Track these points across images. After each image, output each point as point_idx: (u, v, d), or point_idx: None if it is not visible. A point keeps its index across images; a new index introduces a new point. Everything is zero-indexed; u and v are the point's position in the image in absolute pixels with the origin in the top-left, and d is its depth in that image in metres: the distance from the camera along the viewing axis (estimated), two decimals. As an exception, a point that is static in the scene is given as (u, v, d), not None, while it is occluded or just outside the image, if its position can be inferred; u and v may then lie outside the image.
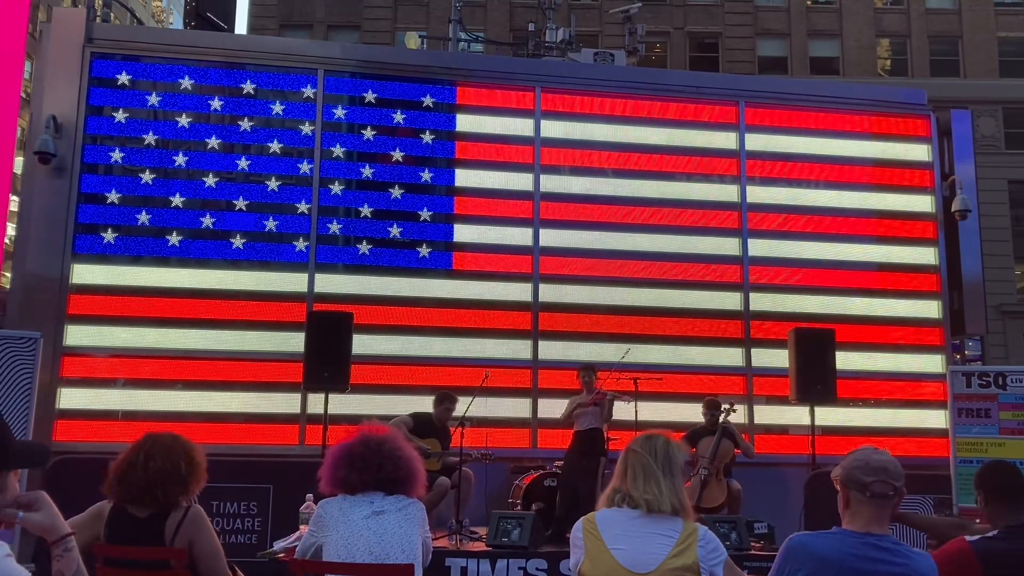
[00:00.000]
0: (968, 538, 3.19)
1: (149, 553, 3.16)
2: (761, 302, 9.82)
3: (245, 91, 9.40)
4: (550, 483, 7.91)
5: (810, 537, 2.75)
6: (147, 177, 9.05)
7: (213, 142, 9.24)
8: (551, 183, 9.74)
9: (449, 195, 9.61)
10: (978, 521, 3.48)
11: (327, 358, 7.81)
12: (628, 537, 2.67)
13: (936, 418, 9.52)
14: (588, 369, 7.88)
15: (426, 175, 9.55)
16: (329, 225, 9.30)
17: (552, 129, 9.86)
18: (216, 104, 9.33)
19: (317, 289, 9.09)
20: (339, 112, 9.54)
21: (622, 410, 8.03)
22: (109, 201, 8.93)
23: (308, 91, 9.49)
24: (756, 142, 10.18)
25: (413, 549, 3.25)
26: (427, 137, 9.63)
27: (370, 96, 9.62)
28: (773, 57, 25.26)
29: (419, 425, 7.34)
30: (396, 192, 9.45)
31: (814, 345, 8.49)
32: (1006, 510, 3.29)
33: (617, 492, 2.79)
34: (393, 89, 9.69)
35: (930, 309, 10.07)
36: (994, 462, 3.67)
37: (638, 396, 7.97)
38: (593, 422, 7.57)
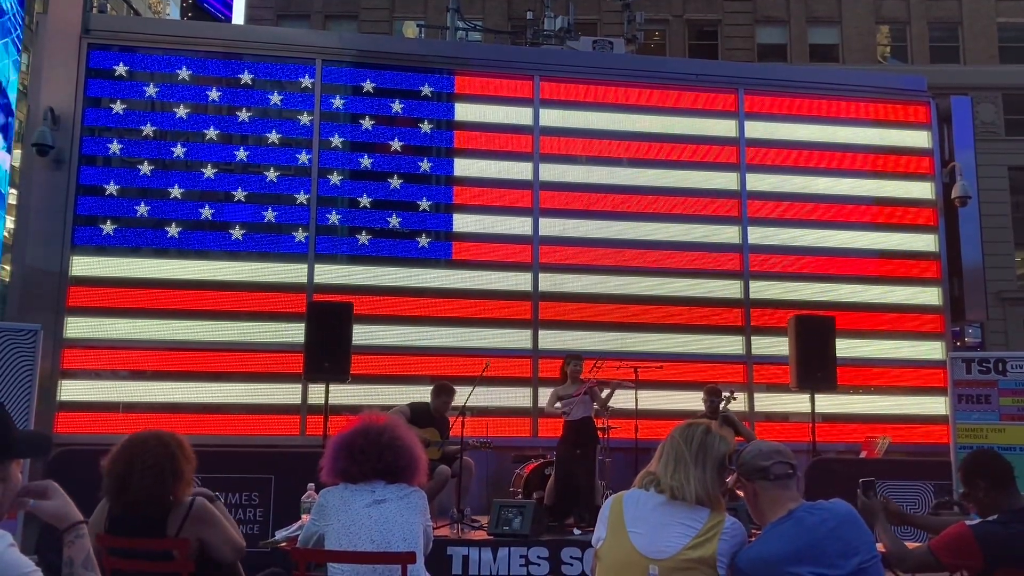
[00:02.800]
0: (968, 523, 3.22)
1: (152, 544, 3.18)
2: (761, 290, 9.82)
3: (243, 81, 9.38)
4: (551, 471, 7.91)
5: (756, 549, 2.63)
6: (145, 168, 9.04)
7: (211, 133, 9.22)
8: (550, 172, 9.72)
9: (448, 184, 9.59)
10: (971, 511, 3.49)
11: (327, 348, 7.81)
12: (648, 522, 2.65)
13: (936, 404, 9.53)
14: (577, 359, 7.76)
15: (425, 164, 9.53)
16: (328, 215, 9.29)
17: (551, 118, 9.83)
18: (214, 95, 9.31)
19: (317, 280, 9.09)
20: (337, 102, 9.52)
21: (622, 397, 8.02)
22: (108, 193, 8.92)
23: (306, 81, 9.46)
24: (756, 130, 10.15)
25: (414, 537, 3.25)
26: (426, 126, 9.61)
27: (368, 86, 9.59)
28: (772, 44, 25.12)
29: (417, 415, 7.33)
30: (395, 182, 9.43)
31: (814, 332, 8.48)
32: (1006, 496, 3.32)
33: (648, 475, 2.79)
34: (391, 78, 9.67)
35: (930, 296, 10.08)
36: (982, 451, 3.69)
37: (638, 384, 7.96)
38: (584, 411, 7.54)
